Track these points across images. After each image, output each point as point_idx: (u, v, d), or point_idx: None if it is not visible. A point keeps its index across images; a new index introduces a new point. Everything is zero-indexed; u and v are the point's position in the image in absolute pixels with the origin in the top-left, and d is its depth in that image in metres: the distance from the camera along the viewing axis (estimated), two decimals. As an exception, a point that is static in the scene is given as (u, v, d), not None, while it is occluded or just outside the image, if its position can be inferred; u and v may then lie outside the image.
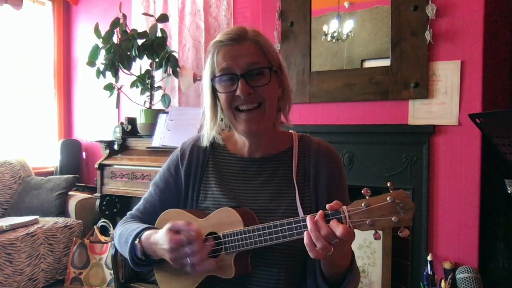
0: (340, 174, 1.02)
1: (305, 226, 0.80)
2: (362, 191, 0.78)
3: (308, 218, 0.79)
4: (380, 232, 0.78)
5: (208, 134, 1.02)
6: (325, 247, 0.76)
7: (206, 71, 0.97)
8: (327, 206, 0.79)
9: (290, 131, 1.07)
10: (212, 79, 0.95)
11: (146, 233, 0.96)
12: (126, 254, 1.00)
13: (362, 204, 0.77)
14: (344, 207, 0.78)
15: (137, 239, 0.96)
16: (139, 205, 1.12)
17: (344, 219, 0.77)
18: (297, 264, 0.95)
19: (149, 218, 1.06)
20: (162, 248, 0.89)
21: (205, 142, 1.04)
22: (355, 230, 0.78)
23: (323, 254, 0.77)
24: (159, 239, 0.90)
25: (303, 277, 0.96)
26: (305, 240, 0.78)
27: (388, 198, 0.75)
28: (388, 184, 0.77)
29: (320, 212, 0.79)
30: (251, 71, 0.91)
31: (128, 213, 1.13)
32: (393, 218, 0.75)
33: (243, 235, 0.88)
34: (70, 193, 3.16)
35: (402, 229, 0.75)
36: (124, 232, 1.03)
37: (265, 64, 0.93)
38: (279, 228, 0.84)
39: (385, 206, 0.76)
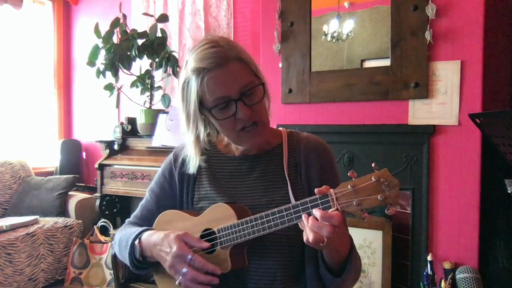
0: (331, 165, 1.03)
1: (296, 213, 0.83)
2: (348, 174, 0.80)
3: (303, 217, 0.81)
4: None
5: (194, 161, 1.01)
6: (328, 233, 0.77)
7: (190, 100, 0.92)
8: (316, 190, 0.82)
9: (280, 128, 1.09)
10: (209, 110, 0.91)
11: (146, 233, 0.97)
12: (125, 257, 1.00)
13: (349, 186, 0.79)
14: (331, 190, 0.80)
15: (137, 240, 0.97)
16: (136, 211, 1.13)
17: (332, 202, 0.80)
18: (293, 255, 0.95)
19: (147, 224, 1.07)
20: (165, 251, 0.90)
21: (192, 170, 1.03)
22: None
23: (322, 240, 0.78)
24: (161, 241, 0.91)
25: (301, 268, 0.97)
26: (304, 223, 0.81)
27: (372, 178, 0.78)
28: (373, 165, 0.80)
29: (311, 217, 0.80)
30: (247, 93, 0.90)
31: (127, 220, 1.14)
32: (379, 197, 0.77)
33: (237, 228, 0.89)
34: (70, 193, 3.16)
35: (389, 207, 0.77)
36: (123, 236, 1.04)
37: (254, 80, 0.92)
38: (271, 217, 0.86)
39: (370, 186, 0.78)
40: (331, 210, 0.79)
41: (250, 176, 1.01)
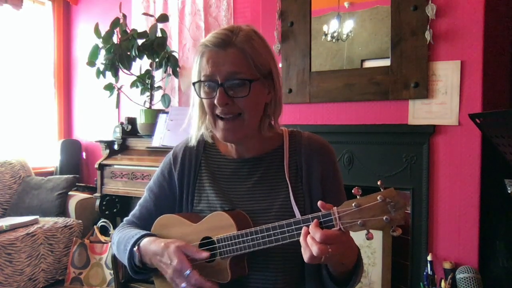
0: (334, 168, 0.99)
1: (298, 229, 0.80)
2: (353, 191, 0.77)
3: (301, 237, 0.78)
4: (373, 232, 0.77)
5: (196, 133, 1.02)
6: (321, 251, 0.74)
7: (194, 71, 0.96)
8: (319, 204, 0.78)
9: (281, 127, 1.04)
10: (194, 83, 0.95)
11: (145, 240, 0.95)
12: (125, 261, 1.00)
13: (353, 205, 0.75)
14: (335, 208, 0.77)
15: (136, 246, 0.96)
16: (134, 211, 1.12)
17: (334, 221, 0.77)
18: (294, 267, 0.94)
19: (145, 223, 1.06)
20: (165, 263, 0.89)
21: (193, 141, 1.04)
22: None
23: (319, 259, 0.75)
24: (161, 251, 0.90)
25: (301, 280, 0.96)
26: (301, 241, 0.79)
27: (378, 198, 0.74)
28: (379, 183, 0.76)
29: (310, 228, 0.77)
30: (231, 81, 0.89)
31: (125, 219, 1.13)
32: (384, 218, 0.73)
33: (237, 240, 0.87)
34: (70, 193, 3.16)
35: (394, 228, 0.74)
36: (122, 239, 1.02)
37: (247, 75, 0.89)
38: (272, 232, 0.84)
39: (376, 206, 0.74)
40: (333, 229, 0.76)
41: (250, 179, 0.99)
